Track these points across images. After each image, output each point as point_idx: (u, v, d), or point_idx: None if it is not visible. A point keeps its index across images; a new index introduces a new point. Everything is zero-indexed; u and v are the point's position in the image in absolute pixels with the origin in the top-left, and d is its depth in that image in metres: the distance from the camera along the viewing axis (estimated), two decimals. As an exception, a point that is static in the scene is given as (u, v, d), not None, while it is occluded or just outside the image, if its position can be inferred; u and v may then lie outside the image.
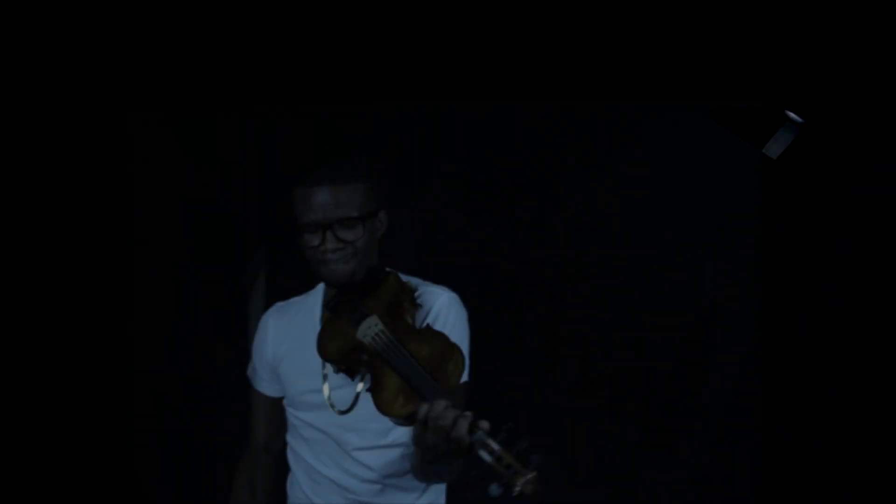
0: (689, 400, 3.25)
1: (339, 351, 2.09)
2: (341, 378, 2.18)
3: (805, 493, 3.06)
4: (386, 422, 2.04)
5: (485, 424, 1.76)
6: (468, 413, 1.77)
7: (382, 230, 2.18)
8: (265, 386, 2.32)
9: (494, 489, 1.71)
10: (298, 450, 2.30)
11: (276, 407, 2.31)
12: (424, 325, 2.11)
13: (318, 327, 2.21)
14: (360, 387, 2.17)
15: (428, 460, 1.85)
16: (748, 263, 3.08)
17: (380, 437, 2.22)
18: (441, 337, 2.00)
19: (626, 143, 3.20)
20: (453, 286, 2.24)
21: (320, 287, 2.32)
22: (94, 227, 3.14)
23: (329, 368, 2.20)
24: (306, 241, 2.11)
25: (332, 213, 2.08)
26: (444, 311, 2.19)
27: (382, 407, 1.93)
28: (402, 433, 2.18)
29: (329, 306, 2.18)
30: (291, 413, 2.30)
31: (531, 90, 2.59)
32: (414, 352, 1.96)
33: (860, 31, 2.41)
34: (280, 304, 2.35)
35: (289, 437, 2.33)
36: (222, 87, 2.90)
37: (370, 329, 2.05)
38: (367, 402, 2.07)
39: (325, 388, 2.20)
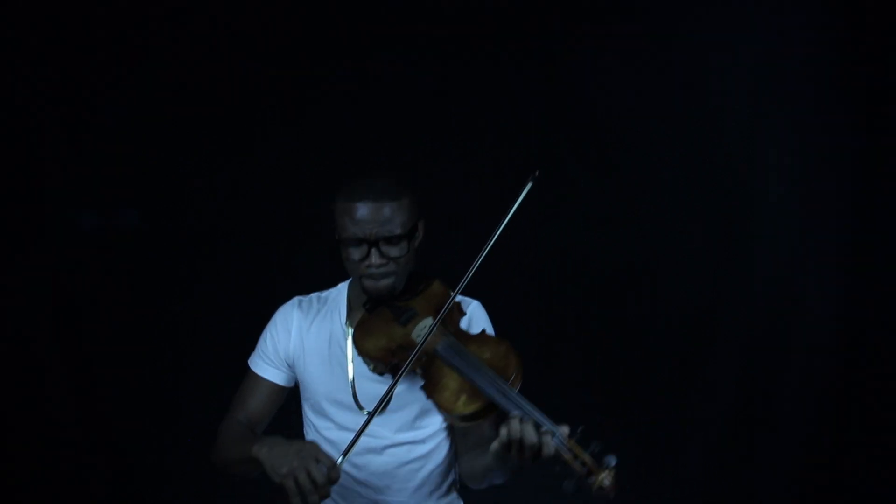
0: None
1: (383, 349, 2.07)
2: (370, 378, 2.16)
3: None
4: (414, 417, 2.13)
5: (564, 430, 1.81)
6: (549, 428, 1.80)
7: (420, 239, 2.18)
8: (272, 373, 2.24)
9: (568, 486, 1.77)
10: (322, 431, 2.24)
11: (277, 394, 2.26)
12: (479, 330, 2.14)
13: (344, 327, 2.21)
14: (399, 387, 2.13)
15: (509, 469, 1.92)
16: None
17: (411, 433, 2.20)
18: (502, 343, 2.01)
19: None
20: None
21: (343, 286, 2.30)
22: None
23: (359, 368, 2.17)
24: (349, 255, 2.11)
25: (378, 230, 2.08)
26: (476, 316, 2.22)
27: (444, 405, 1.93)
28: (439, 427, 2.21)
29: (368, 307, 2.17)
30: (311, 413, 2.24)
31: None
32: (475, 354, 1.98)
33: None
34: (301, 297, 2.30)
35: (309, 438, 2.27)
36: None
37: (425, 329, 2.05)
38: (398, 400, 2.12)
39: (353, 388, 2.17)
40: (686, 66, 3.17)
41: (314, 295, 2.30)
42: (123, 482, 3.19)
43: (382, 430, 2.16)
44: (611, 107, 3.22)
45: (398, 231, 2.09)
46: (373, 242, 2.08)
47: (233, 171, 3.21)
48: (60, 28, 3.04)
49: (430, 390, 1.97)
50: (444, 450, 2.23)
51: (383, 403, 2.02)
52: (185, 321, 3.22)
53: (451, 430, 2.24)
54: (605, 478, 1.75)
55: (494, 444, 1.86)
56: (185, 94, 3.13)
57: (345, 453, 1.93)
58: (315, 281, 2.32)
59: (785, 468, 3.17)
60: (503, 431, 1.83)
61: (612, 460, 1.77)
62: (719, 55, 3.13)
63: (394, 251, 2.10)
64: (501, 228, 1.98)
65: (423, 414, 2.19)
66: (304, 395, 2.26)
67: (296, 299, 2.29)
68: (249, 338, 2.28)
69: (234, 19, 3.12)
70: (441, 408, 1.95)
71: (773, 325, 3.18)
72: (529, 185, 1.99)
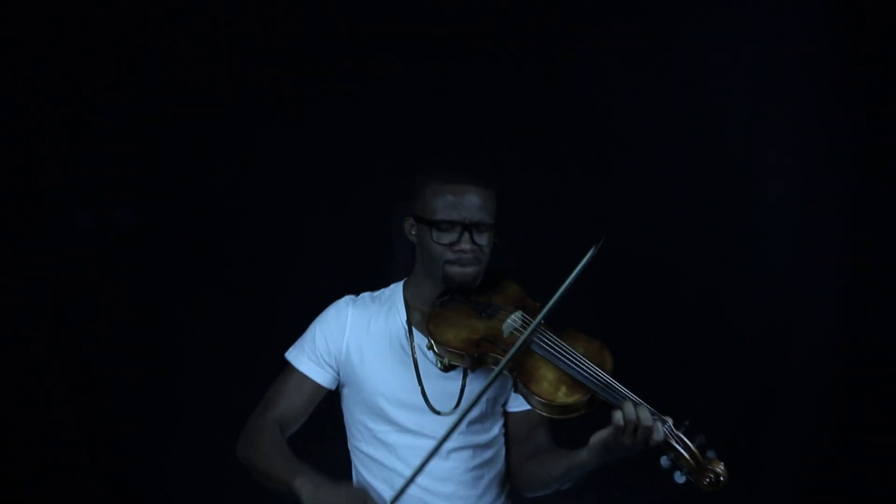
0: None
1: (466, 340, 2.04)
2: (436, 376, 2.13)
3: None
4: (479, 418, 2.11)
5: (669, 419, 1.83)
6: (652, 409, 1.83)
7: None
8: (317, 372, 2.18)
9: (679, 476, 1.79)
10: (379, 457, 2.16)
11: (318, 396, 2.20)
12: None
13: (404, 325, 2.18)
14: (463, 385, 2.14)
15: (607, 461, 1.89)
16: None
17: (475, 436, 2.17)
18: (594, 341, 2.03)
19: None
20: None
21: (397, 286, 2.26)
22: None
23: (424, 367, 2.14)
24: (438, 238, 2.10)
25: (475, 215, 2.09)
26: None
27: (545, 395, 1.92)
28: (499, 432, 2.19)
29: (442, 299, 2.15)
30: (366, 417, 2.17)
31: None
32: (572, 347, 1.99)
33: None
34: (352, 297, 2.25)
35: (361, 445, 2.19)
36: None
37: (515, 322, 2.06)
38: (467, 399, 2.10)
39: (422, 387, 2.14)
40: (686, 65, 3.16)
41: (366, 294, 2.26)
42: (121, 483, 3.18)
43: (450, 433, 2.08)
44: (610, 106, 3.21)
45: (490, 220, 2.10)
46: (467, 226, 2.08)
47: (232, 171, 3.20)
48: (58, 27, 3.03)
49: (526, 382, 1.95)
50: (502, 456, 2.21)
51: (479, 397, 1.99)
52: (185, 321, 3.20)
53: (506, 438, 2.22)
54: (719, 466, 1.78)
55: (603, 434, 1.85)
56: (184, 93, 3.12)
57: (393, 501, 1.93)
58: (314, 281, 2.33)
59: (786, 469, 3.16)
60: (617, 416, 1.82)
61: (713, 454, 1.80)
62: (720, 55, 3.13)
63: (483, 239, 2.10)
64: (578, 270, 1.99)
65: (486, 416, 2.16)
66: (355, 398, 2.18)
67: (348, 297, 2.25)
68: (249, 338, 2.30)
69: (234, 19, 3.12)
70: (540, 397, 1.92)
71: (774, 324, 3.17)
72: (593, 251, 2.00)
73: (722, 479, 1.77)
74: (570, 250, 3.08)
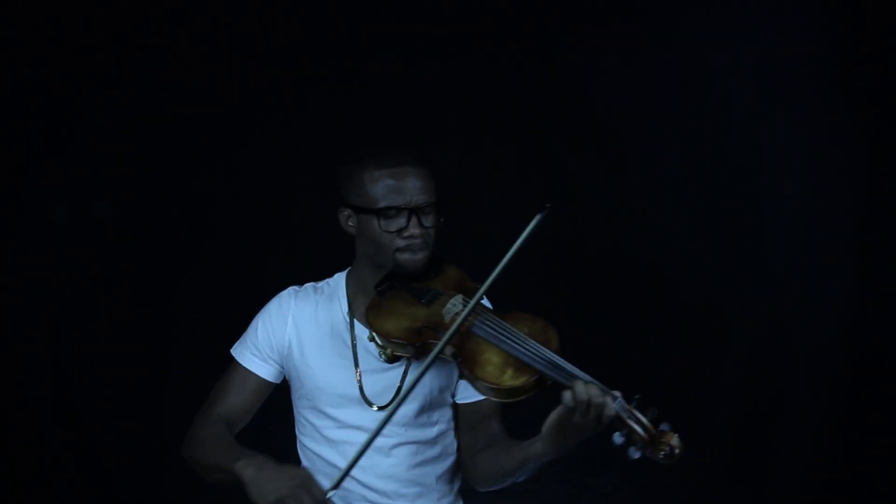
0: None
1: (407, 329, 2.00)
2: (375, 370, 2.09)
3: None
4: (418, 411, 2.06)
5: (618, 394, 1.77)
6: (600, 385, 1.78)
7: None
8: (261, 367, 2.15)
9: (633, 453, 1.74)
10: (321, 453, 2.12)
11: (263, 391, 2.16)
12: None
13: (346, 317, 2.13)
14: (403, 371, 2.08)
15: (563, 446, 1.83)
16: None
17: (419, 430, 2.11)
18: (538, 319, 1.97)
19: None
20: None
21: (340, 276, 2.21)
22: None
23: (364, 360, 2.10)
24: (385, 226, 2.03)
25: (419, 198, 2.03)
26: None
27: (490, 379, 1.87)
28: (447, 426, 2.13)
29: (380, 289, 2.08)
30: (308, 412, 2.14)
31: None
32: (514, 328, 1.94)
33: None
34: (296, 287, 2.21)
35: (305, 440, 2.15)
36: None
37: (455, 307, 2.00)
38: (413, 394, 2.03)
39: (360, 381, 2.09)
40: (687, 65, 3.17)
41: (309, 285, 2.21)
42: (103, 483, 3.15)
43: (390, 427, 2.03)
44: (613, 104, 3.20)
45: (433, 199, 2.05)
46: (413, 210, 2.02)
47: (215, 163, 3.19)
48: (33, 21, 3.04)
49: (471, 367, 1.90)
50: (452, 452, 2.14)
51: (411, 388, 1.92)
52: (166, 316, 3.18)
53: (456, 431, 2.15)
54: (672, 439, 1.72)
55: (553, 416, 1.81)
56: (166, 84, 3.11)
57: (335, 486, 1.87)
58: (300, 276, 2.27)
59: (791, 470, 3.14)
60: (567, 396, 1.77)
61: (667, 426, 1.75)
62: (721, 54, 3.14)
63: (429, 221, 2.05)
64: (512, 253, 1.92)
65: (429, 408, 2.09)
66: (298, 392, 2.15)
67: (291, 289, 2.20)
68: (234, 333, 2.21)
69: (208, 8, 3.13)
70: (486, 382, 1.88)
71: (777, 324, 3.17)
72: (538, 218, 1.93)
73: (677, 451, 1.71)
74: (570, 246, 3.21)
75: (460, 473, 2.17)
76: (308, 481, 1.83)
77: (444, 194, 2.08)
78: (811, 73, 3.09)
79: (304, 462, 2.15)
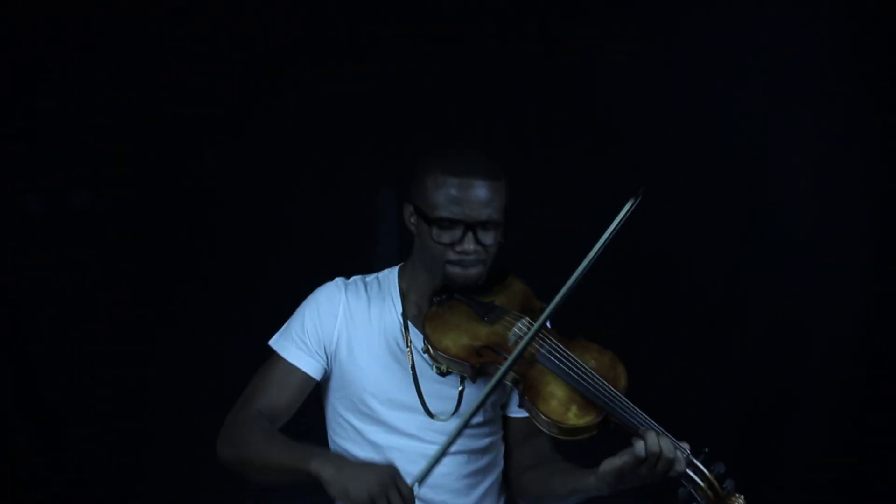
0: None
1: (467, 348, 1.92)
2: (431, 378, 2.02)
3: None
4: (482, 426, 2.03)
5: (687, 447, 1.75)
6: (670, 436, 1.74)
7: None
8: (307, 362, 2.04)
9: None
10: (364, 457, 2.05)
11: (307, 388, 2.06)
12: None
13: (399, 318, 2.05)
14: (461, 389, 2.02)
15: (618, 488, 1.78)
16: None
17: (472, 441, 2.05)
18: (606, 352, 1.91)
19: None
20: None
21: (391, 272, 2.13)
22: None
23: (419, 366, 2.02)
24: (438, 237, 1.95)
25: (480, 213, 1.93)
26: None
27: (553, 416, 1.81)
28: (497, 437, 2.09)
29: (439, 298, 2.01)
30: (350, 414, 2.06)
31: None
32: (581, 360, 1.87)
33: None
34: (343, 279, 2.12)
35: (343, 442, 2.08)
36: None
37: (522, 329, 1.93)
38: (466, 404, 2.01)
39: (418, 388, 2.02)
40: (700, 52, 3.12)
41: (357, 278, 2.12)
42: (75, 481, 3.11)
43: (442, 436, 1.97)
44: (620, 95, 3.16)
45: (497, 217, 1.94)
46: (471, 226, 1.93)
47: (203, 150, 3.11)
48: (4, 4, 2.97)
49: (533, 399, 1.83)
50: (499, 464, 2.10)
51: (475, 411, 1.88)
52: (152, 312, 3.12)
53: (506, 444, 2.11)
54: (737, 501, 1.72)
55: (619, 461, 1.74)
56: (152, 67, 3.05)
57: (421, 480, 1.83)
58: (294, 270, 2.34)
59: (803, 476, 3.13)
60: (640, 447, 1.72)
61: (731, 484, 1.73)
62: (731, 47, 3.10)
63: (488, 238, 1.95)
64: (602, 244, 1.87)
65: (486, 422, 2.05)
66: (340, 392, 2.06)
67: (339, 281, 2.11)
68: (224, 330, 2.23)
69: None
70: (548, 418, 1.81)
71: (787, 323, 3.14)
72: (631, 204, 1.86)
73: None
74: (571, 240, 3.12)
75: (507, 486, 2.13)
76: (396, 477, 1.76)
77: (515, 212, 1.99)
78: (823, 67, 3.06)
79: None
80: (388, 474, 1.75)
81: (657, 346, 3.14)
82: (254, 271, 3.09)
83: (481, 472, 2.06)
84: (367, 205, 3.13)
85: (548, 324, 1.98)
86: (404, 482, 1.76)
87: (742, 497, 1.71)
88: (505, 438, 2.10)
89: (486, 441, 2.05)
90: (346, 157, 3.12)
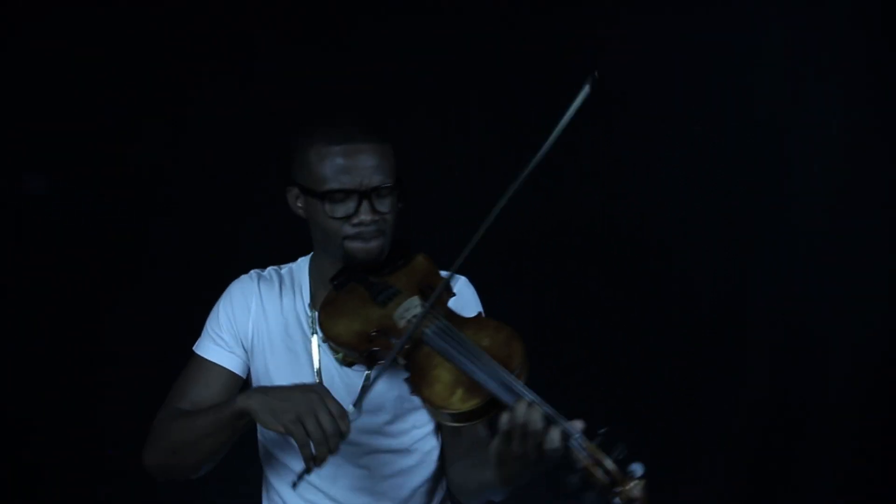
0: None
1: (357, 334, 1.87)
2: (339, 369, 1.97)
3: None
4: (391, 419, 1.97)
5: (578, 425, 1.61)
6: (564, 426, 1.61)
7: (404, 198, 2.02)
8: (227, 358, 2.00)
9: (591, 499, 1.59)
10: (284, 459, 2.02)
11: (232, 386, 2.01)
12: (473, 313, 1.97)
13: (307, 309, 2.03)
14: (368, 378, 1.95)
15: (510, 475, 1.68)
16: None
17: (392, 439, 2.00)
18: (503, 328, 1.83)
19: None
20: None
21: (303, 261, 2.10)
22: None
23: (326, 357, 1.97)
24: (332, 211, 1.91)
25: (372, 179, 1.90)
26: (466, 296, 2.04)
27: (436, 401, 1.73)
28: (427, 431, 2.03)
29: (337, 282, 1.97)
30: None
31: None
32: (473, 340, 1.80)
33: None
34: (258, 271, 2.09)
35: (270, 447, 2.05)
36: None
37: (410, 311, 1.87)
38: (376, 398, 1.95)
39: (320, 381, 1.97)
40: (712, 23, 3.02)
41: (272, 269, 2.09)
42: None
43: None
44: (616, 70, 2.92)
45: (389, 181, 1.92)
46: (364, 193, 1.90)
47: (162, 131, 3.03)
48: None
49: (418, 383, 1.77)
50: (432, 461, 2.03)
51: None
52: (105, 304, 3.02)
53: (438, 435, 2.05)
54: (634, 488, 1.56)
55: (495, 442, 1.66)
56: (110, 39, 2.96)
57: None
58: (259, 259, 2.16)
59: (817, 485, 3.04)
60: (505, 418, 1.63)
61: (638, 469, 1.57)
62: (743, 29, 3.02)
63: (384, 205, 1.92)
64: (527, 172, 1.71)
65: (403, 415, 1.99)
66: (258, 383, 2.02)
67: (254, 273, 2.08)
68: (181, 327, 2.12)
69: None
70: (432, 404, 1.74)
71: (808, 322, 3.05)
72: (586, 90, 1.67)
73: (633, 499, 1.55)
74: (572, 228, 3.08)
75: (443, 485, 2.07)
76: (324, 395, 1.72)
77: (408, 173, 1.95)
78: (841, 45, 2.96)
79: (264, 463, 2.07)
80: (316, 391, 1.72)
81: (657, 347, 3.08)
82: (220, 260, 2.88)
83: (407, 473, 2.00)
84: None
85: (453, 303, 1.94)
86: (334, 401, 1.71)
87: (641, 482, 1.56)
88: (441, 431, 2.04)
89: (409, 438, 1.99)
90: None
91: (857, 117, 2.97)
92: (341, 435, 1.69)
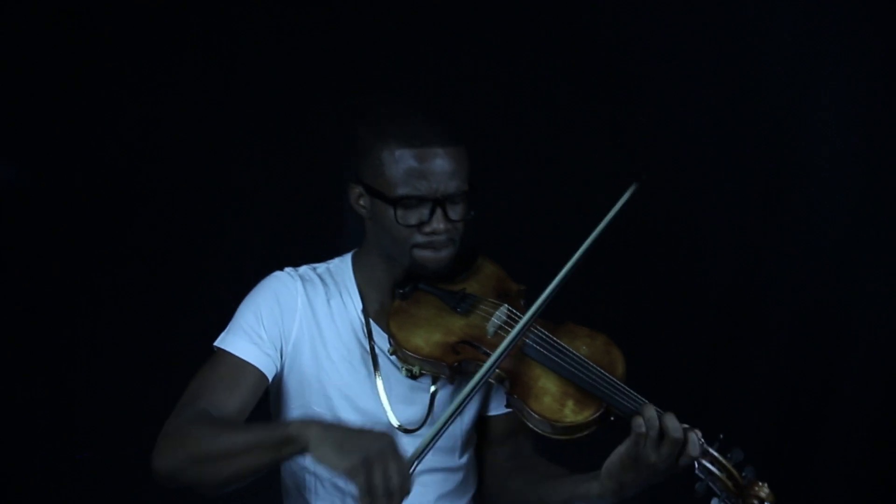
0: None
1: (441, 345, 1.83)
2: (399, 383, 1.92)
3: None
4: (458, 438, 1.94)
5: (697, 432, 1.65)
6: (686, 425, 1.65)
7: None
8: (258, 356, 1.89)
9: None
10: (321, 473, 1.93)
11: (260, 388, 1.91)
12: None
13: (360, 317, 1.95)
14: (433, 392, 1.92)
15: (624, 486, 1.68)
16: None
17: (449, 457, 1.95)
18: (597, 335, 1.84)
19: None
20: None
21: (343, 262, 2.02)
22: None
23: (385, 369, 1.92)
24: (403, 218, 1.85)
25: (448, 186, 1.84)
26: None
27: (547, 414, 1.72)
28: (472, 450, 2.00)
29: (403, 291, 1.92)
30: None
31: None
32: (572, 348, 1.81)
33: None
34: (293, 270, 1.99)
35: (295, 468, 1.98)
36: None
37: (501, 317, 1.86)
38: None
39: (385, 397, 1.91)
40: (724, 14, 2.92)
41: (306, 268, 2.00)
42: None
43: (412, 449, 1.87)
44: (627, 42, 2.97)
45: (465, 186, 1.87)
46: (438, 201, 1.84)
47: (145, 116, 2.92)
48: None
49: (524, 397, 1.75)
50: (473, 484, 2.02)
51: (451, 417, 1.70)
52: (82, 303, 2.92)
53: (482, 445, 2.02)
54: (761, 490, 1.62)
55: (620, 450, 1.67)
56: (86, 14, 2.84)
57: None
58: (246, 256, 2.24)
59: (838, 481, 2.97)
60: (636, 421, 1.64)
61: (752, 472, 1.64)
62: (769, 9, 2.93)
63: (457, 213, 1.88)
64: (598, 233, 1.82)
65: (464, 433, 1.96)
66: (299, 400, 1.94)
67: (290, 270, 1.98)
68: (164, 326, 2.15)
69: None
70: (542, 417, 1.72)
71: (826, 314, 2.96)
72: (633, 190, 1.84)
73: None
74: (564, 218, 2.86)
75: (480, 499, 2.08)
76: (395, 446, 1.61)
77: (478, 178, 1.89)
78: (866, 22, 2.84)
79: (288, 481, 1.99)
80: (388, 441, 1.60)
81: (676, 338, 3.01)
82: (206, 255, 2.94)
83: (456, 492, 1.97)
84: (328, 182, 2.88)
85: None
86: (402, 456, 1.60)
87: (765, 485, 1.62)
88: (482, 439, 2.02)
89: (464, 457, 1.97)
90: (307, 122, 2.99)
91: (877, 108, 2.87)
92: (405, 493, 1.58)
